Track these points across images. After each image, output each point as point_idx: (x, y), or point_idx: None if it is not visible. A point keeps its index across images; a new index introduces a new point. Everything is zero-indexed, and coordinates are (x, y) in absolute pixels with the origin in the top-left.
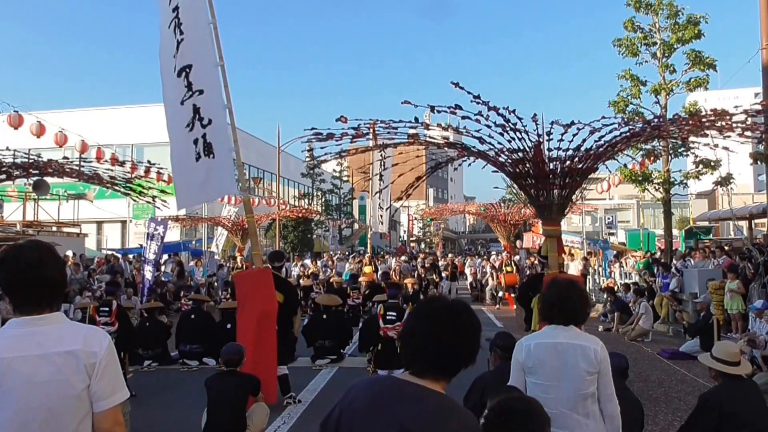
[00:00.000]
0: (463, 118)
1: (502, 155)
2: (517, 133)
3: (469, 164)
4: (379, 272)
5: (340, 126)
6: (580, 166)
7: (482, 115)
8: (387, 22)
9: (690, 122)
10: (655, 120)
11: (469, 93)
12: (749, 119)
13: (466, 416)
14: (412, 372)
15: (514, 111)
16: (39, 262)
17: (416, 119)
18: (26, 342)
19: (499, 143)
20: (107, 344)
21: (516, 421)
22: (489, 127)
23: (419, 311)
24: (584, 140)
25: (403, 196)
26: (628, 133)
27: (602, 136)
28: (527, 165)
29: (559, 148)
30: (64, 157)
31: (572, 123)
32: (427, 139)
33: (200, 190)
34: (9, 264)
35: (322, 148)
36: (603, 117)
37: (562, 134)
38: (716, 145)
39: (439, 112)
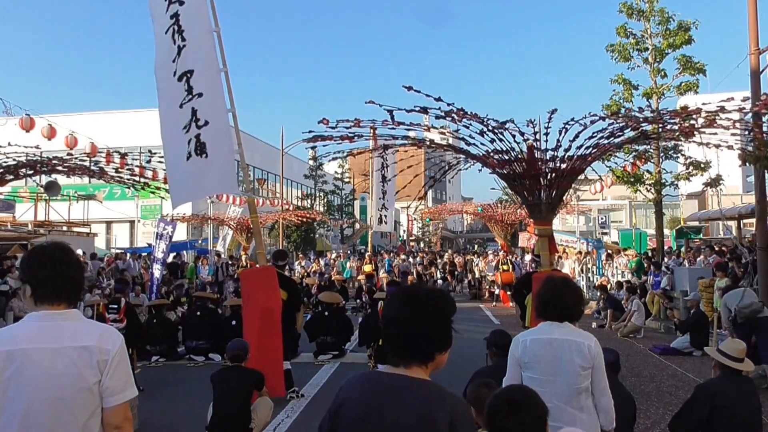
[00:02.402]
0: (437, 117)
1: (490, 157)
2: (498, 134)
3: (466, 168)
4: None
5: (340, 127)
6: (564, 166)
7: (455, 115)
8: (388, 28)
9: (665, 117)
10: (633, 114)
11: (428, 96)
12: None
13: (455, 402)
14: (394, 362)
15: (476, 114)
16: (65, 260)
17: (411, 124)
18: (45, 335)
19: (482, 143)
20: (120, 343)
21: (518, 410)
22: (467, 127)
23: (392, 299)
24: (559, 138)
25: (420, 195)
26: (608, 128)
27: (579, 133)
28: (514, 166)
29: (539, 149)
30: (69, 154)
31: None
32: (427, 135)
33: (192, 187)
34: (39, 258)
35: (324, 146)
36: (553, 110)
37: (533, 129)
38: (712, 144)
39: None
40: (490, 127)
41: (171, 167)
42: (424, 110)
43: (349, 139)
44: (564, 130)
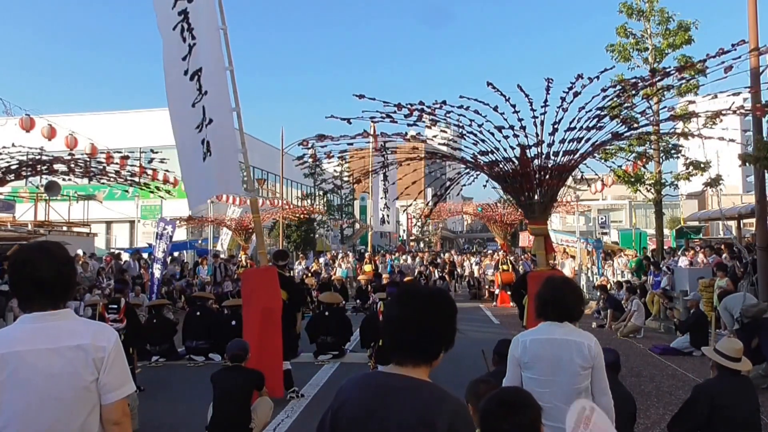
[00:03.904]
0: (409, 125)
1: (478, 159)
2: (479, 135)
3: (469, 183)
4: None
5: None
6: (551, 163)
7: (426, 118)
8: (388, 29)
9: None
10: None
11: (385, 103)
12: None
13: (456, 403)
14: (396, 362)
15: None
16: (29, 263)
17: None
18: (39, 336)
19: (466, 146)
20: (115, 339)
21: (511, 412)
22: (444, 131)
23: (395, 299)
24: (538, 132)
25: (425, 213)
26: (584, 117)
27: (556, 124)
28: (502, 165)
29: (523, 145)
30: (70, 154)
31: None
32: (426, 137)
33: (205, 188)
34: (16, 262)
35: (322, 147)
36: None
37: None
38: (711, 137)
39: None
40: (465, 130)
41: (187, 167)
42: (392, 119)
43: (340, 159)
44: (538, 121)
